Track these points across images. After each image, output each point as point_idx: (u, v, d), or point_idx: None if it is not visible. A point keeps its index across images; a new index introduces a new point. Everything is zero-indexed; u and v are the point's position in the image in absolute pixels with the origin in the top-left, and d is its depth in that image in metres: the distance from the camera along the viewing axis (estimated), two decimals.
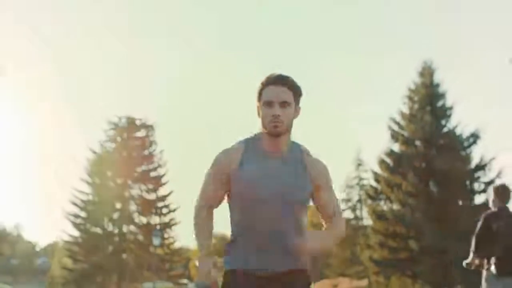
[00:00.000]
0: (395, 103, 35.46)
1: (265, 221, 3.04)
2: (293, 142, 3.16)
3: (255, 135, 3.16)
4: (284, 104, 3.03)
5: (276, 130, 3.03)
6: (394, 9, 75.13)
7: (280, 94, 3.03)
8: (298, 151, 3.13)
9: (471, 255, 6.48)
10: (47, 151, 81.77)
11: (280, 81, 3.06)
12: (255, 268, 3.05)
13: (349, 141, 74.15)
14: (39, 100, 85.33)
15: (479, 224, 6.50)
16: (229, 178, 3.10)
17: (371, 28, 76.28)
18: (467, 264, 6.54)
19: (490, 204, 6.63)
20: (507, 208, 6.49)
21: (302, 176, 3.07)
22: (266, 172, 3.05)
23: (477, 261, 6.44)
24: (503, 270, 6.28)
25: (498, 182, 29.20)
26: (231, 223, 3.17)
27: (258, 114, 3.11)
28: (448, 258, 27.72)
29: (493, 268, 6.34)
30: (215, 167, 3.14)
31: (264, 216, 3.04)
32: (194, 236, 3.17)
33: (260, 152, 3.10)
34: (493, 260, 6.37)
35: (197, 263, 3.08)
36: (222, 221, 3.31)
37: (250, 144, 3.13)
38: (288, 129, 3.09)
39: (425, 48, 68.54)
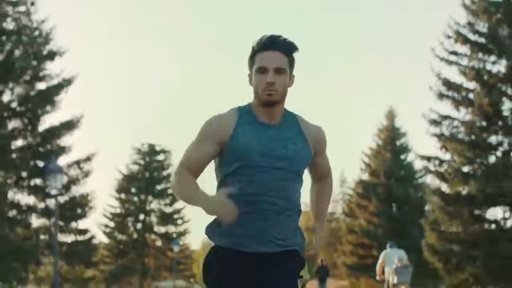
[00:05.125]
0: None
1: (265, 191, 2.91)
2: (286, 110, 3.06)
3: (248, 104, 3.03)
4: (278, 70, 2.90)
5: (270, 98, 2.90)
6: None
7: (275, 60, 2.90)
8: (292, 118, 3.04)
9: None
10: None
11: (274, 45, 2.93)
12: (245, 246, 2.94)
13: (336, 157, 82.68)
14: None
15: (316, 269, 21.62)
16: (219, 145, 2.96)
17: (370, 32, 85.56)
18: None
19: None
20: (322, 265, 21.51)
21: (300, 143, 2.99)
22: (264, 140, 2.94)
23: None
24: (320, 284, 20.93)
25: None
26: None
27: (250, 82, 2.98)
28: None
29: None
30: (205, 131, 2.98)
31: (263, 186, 2.92)
32: (184, 197, 2.96)
33: (254, 121, 2.98)
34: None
35: (204, 206, 2.82)
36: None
37: (243, 113, 3.00)
38: (283, 99, 2.96)
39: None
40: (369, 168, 42.56)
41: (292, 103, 3.07)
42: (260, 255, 2.94)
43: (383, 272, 15.51)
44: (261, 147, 2.93)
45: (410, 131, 46.43)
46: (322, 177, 3.24)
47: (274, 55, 2.91)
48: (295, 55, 3.00)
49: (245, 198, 2.91)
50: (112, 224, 47.26)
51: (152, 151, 49.51)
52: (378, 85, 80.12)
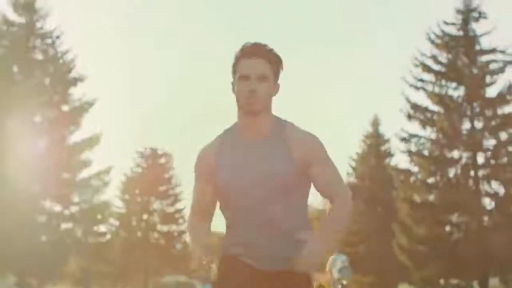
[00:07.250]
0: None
1: (248, 214, 2.92)
2: (276, 119, 3.01)
3: (236, 122, 3.02)
4: (261, 78, 2.88)
5: (252, 107, 2.89)
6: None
7: (257, 66, 2.88)
8: (280, 129, 2.98)
9: None
10: None
11: (257, 52, 2.91)
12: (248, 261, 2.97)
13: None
14: None
15: None
16: (210, 181, 3.00)
17: (365, 19, 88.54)
18: None
19: None
20: None
21: (282, 157, 2.91)
22: (241, 161, 2.94)
23: None
24: None
25: None
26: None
27: (233, 90, 2.95)
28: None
29: None
30: (195, 169, 3.07)
31: (247, 209, 2.91)
32: (192, 244, 3.02)
33: (236, 139, 2.98)
34: None
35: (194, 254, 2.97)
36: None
37: (227, 134, 3.01)
38: (266, 107, 2.94)
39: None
40: (355, 172, 47.78)
41: (283, 104, 3.01)
42: (261, 272, 2.97)
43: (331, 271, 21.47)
44: (237, 172, 2.93)
45: (394, 136, 51.40)
46: (327, 193, 3.04)
47: (256, 62, 2.90)
48: (280, 66, 2.98)
49: (234, 226, 3.01)
50: (117, 223, 50.60)
51: (154, 154, 53.00)
52: (364, 92, 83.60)
